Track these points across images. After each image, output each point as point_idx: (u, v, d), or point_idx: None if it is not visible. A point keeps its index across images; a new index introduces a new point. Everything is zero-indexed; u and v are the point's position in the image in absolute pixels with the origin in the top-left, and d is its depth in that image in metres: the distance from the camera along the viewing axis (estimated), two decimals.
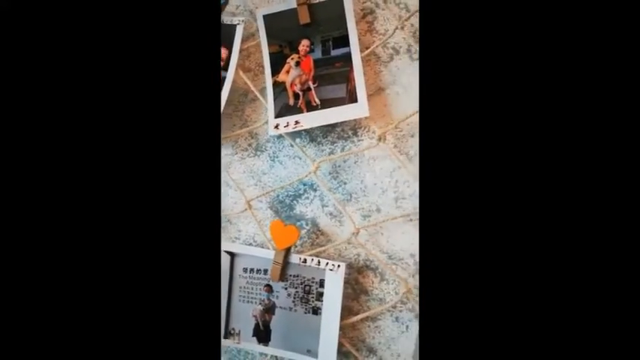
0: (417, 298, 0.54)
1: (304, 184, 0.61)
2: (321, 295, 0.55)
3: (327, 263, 0.55)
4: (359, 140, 0.59)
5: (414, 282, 0.55)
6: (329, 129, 0.60)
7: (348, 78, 0.56)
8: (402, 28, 0.56)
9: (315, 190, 0.61)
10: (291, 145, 0.61)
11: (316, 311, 0.55)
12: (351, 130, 0.60)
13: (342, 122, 0.59)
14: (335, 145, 0.60)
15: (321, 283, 0.55)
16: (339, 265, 0.54)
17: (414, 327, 0.55)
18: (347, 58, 0.56)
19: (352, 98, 0.55)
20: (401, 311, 0.56)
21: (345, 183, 0.59)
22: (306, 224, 0.61)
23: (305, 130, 0.61)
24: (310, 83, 0.57)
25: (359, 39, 0.59)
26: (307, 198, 0.61)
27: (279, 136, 0.62)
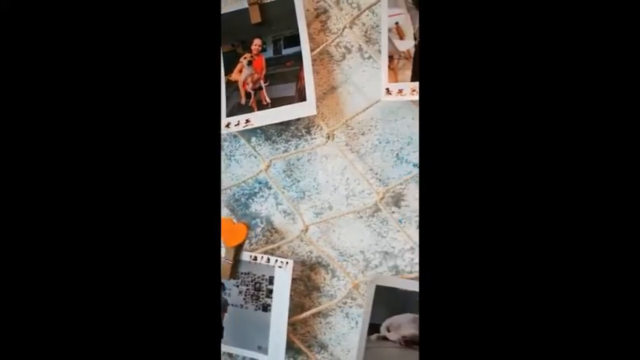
0: (365, 295, 0.55)
1: (259, 183, 0.62)
2: (270, 292, 0.55)
3: (277, 260, 0.55)
4: (312, 138, 0.60)
5: (363, 278, 0.56)
6: (283, 127, 0.61)
7: (298, 77, 0.56)
8: (351, 27, 0.56)
9: (269, 188, 0.61)
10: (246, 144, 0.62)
11: (266, 308, 0.55)
12: (304, 128, 0.60)
13: (296, 121, 0.60)
14: (289, 143, 0.61)
15: (271, 280, 0.55)
16: (287, 262, 0.54)
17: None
18: (298, 57, 0.57)
19: (301, 97, 0.56)
20: (351, 307, 0.57)
21: (298, 181, 0.60)
22: (261, 222, 0.61)
23: (260, 129, 0.61)
24: (262, 82, 0.58)
25: (313, 38, 0.60)
26: (262, 196, 0.62)
27: (235, 135, 0.62)
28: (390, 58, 0.53)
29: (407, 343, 0.49)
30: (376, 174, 0.56)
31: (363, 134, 0.58)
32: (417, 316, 0.49)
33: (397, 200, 0.55)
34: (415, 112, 0.53)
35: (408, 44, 0.52)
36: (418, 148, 0.49)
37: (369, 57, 0.57)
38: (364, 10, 0.57)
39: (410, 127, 0.55)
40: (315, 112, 0.55)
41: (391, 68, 0.52)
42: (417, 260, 0.53)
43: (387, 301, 0.50)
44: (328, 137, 0.56)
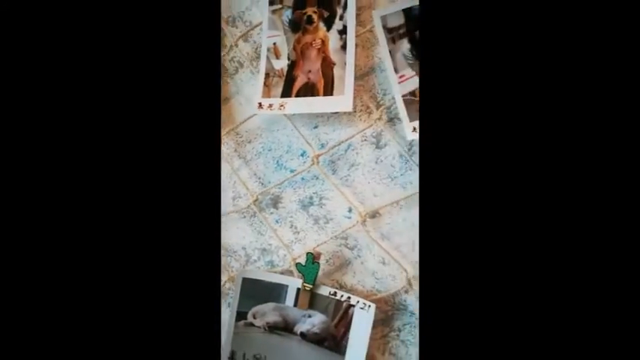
0: (234, 286, 0.61)
1: None
2: None
3: None
4: None
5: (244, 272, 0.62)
6: None
7: None
8: (237, 45, 0.62)
9: None
10: None
11: None
12: None
13: None
14: None
15: None
16: None
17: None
18: None
19: None
20: (232, 297, 0.63)
21: None
22: None
23: None
24: None
25: None
26: None
27: None
28: (267, 75, 0.59)
29: (270, 328, 0.56)
30: (259, 178, 0.63)
31: (249, 142, 0.64)
32: (279, 304, 0.56)
33: (275, 202, 0.62)
34: (289, 124, 0.59)
35: (282, 63, 0.58)
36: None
37: (258, 72, 0.63)
38: (250, 30, 0.63)
39: (288, 136, 0.61)
40: None
41: (266, 85, 0.58)
42: (288, 257, 0.60)
43: (252, 291, 0.57)
44: None
